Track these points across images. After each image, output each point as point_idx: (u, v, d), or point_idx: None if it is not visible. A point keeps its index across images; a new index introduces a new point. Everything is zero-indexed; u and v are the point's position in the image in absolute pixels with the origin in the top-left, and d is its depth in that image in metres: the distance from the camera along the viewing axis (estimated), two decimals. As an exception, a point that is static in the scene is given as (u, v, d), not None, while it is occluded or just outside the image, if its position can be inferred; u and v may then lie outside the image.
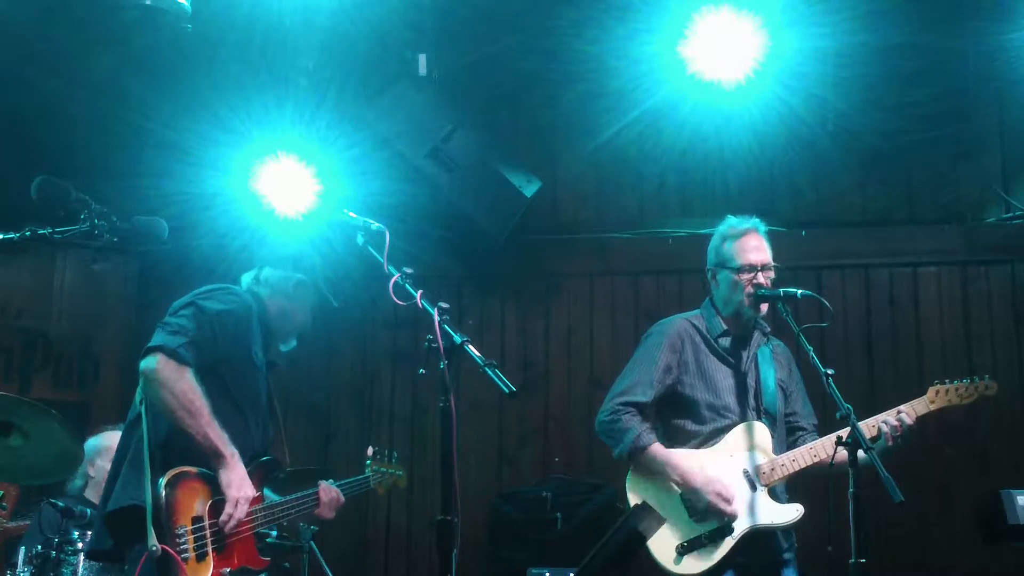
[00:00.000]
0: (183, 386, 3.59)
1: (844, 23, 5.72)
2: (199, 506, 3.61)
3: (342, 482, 4.30)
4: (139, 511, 3.50)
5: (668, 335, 4.37)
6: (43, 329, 6.77)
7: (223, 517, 3.61)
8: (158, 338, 3.64)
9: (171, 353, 3.60)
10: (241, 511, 3.64)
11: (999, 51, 5.97)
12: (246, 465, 3.75)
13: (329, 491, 4.13)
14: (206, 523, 3.61)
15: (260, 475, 3.87)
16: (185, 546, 3.51)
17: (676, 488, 4.15)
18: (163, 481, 3.53)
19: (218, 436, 3.63)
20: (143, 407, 3.69)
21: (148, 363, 3.60)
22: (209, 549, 3.59)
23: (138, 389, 3.74)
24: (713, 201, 6.56)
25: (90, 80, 5.87)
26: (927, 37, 6.03)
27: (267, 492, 4.00)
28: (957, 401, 4.23)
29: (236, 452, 3.67)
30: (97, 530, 3.78)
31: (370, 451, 4.77)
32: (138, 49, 5.56)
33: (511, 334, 6.75)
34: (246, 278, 4.13)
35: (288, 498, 3.96)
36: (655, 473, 4.19)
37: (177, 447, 3.63)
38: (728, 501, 4.06)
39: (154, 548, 3.41)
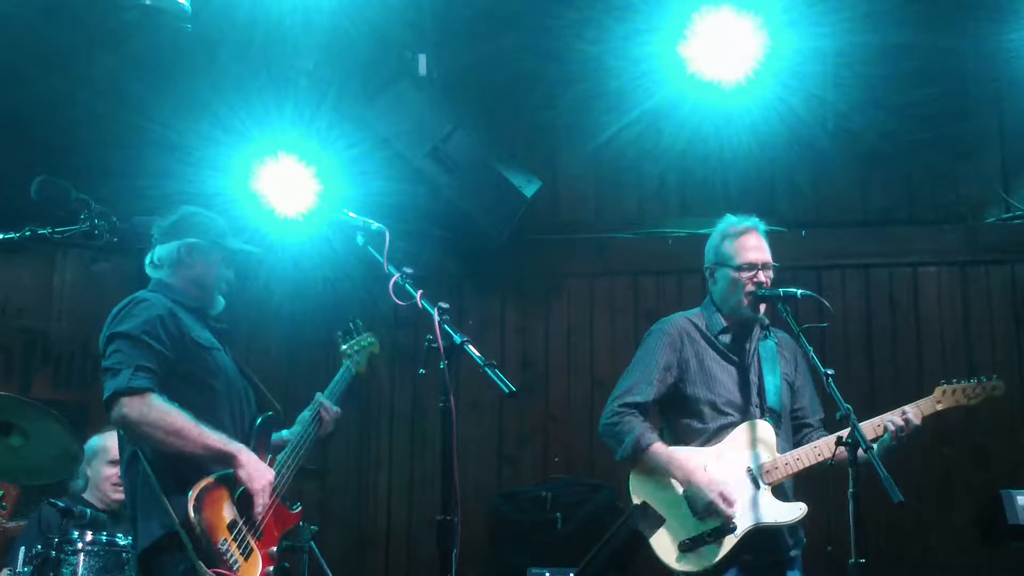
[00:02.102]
0: (155, 415, 3.52)
1: (844, 23, 5.72)
2: (228, 511, 3.58)
3: (330, 388, 4.27)
4: (173, 536, 3.47)
5: (668, 334, 4.37)
6: (43, 329, 6.77)
7: (256, 511, 3.60)
8: (108, 387, 3.56)
9: (125, 391, 3.52)
10: (266, 497, 3.63)
11: (999, 51, 5.97)
12: (248, 434, 3.76)
13: (327, 409, 4.11)
14: (240, 523, 3.60)
15: (265, 439, 3.85)
16: (232, 556, 3.50)
17: (679, 487, 4.14)
18: (190, 508, 3.47)
19: (216, 440, 3.58)
20: (136, 446, 3.65)
21: (115, 414, 3.55)
22: (253, 544, 3.60)
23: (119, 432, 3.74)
24: (713, 201, 6.55)
25: (90, 80, 5.87)
26: (927, 37, 6.02)
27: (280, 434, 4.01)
28: (964, 402, 4.20)
29: (240, 444, 3.63)
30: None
31: (339, 336, 4.71)
32: (138, 49, 5.57)
33: (511, 334, 6.75)
34: (147, 268, 4.01)
35: (295, 443, 3.95)
36: (658, 473, 4.19)
37: (188, 464, 3.59)
38: (729, 503, 4.05)
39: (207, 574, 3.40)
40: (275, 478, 3.72)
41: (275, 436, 3.96)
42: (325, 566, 5.47)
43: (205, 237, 3.94)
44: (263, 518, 3.64)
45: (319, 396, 4.12)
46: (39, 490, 5.31)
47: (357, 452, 6.74)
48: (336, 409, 4.13)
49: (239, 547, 3.54)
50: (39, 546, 4.49)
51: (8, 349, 6.71)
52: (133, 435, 3.57)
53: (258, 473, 3.61)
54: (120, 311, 3.71)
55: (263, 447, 3.81)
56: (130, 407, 3.50)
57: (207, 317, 3.95)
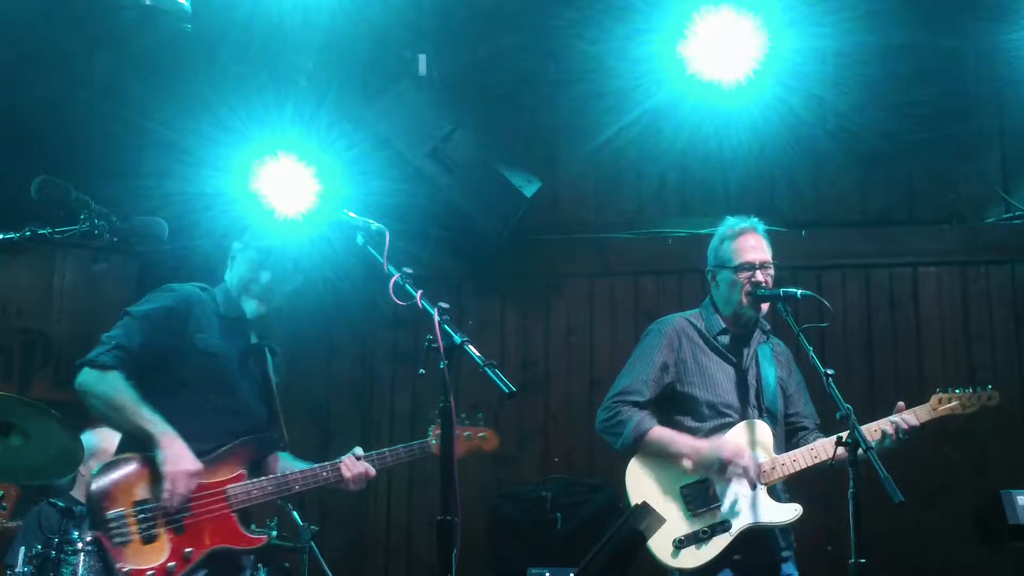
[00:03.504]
0: (104, 388, 3.71)
1: (844, 23, 5.73)
2: (144, 489, 3.64)
3: (387, 449, 4.14)
4: None
5: (666, 334, 4.37)
6: (43, 329, 6.77)
7: (164, 495, 3.62)
8: (88, 355, 3.77)
9: (91, 363, 3.74)
10: (182, 486, 3.63)
11: (999, 51, 5.97)
12: (227, 442, 3.80)
13: (354, 465, 4.00)
14: (154, 505, 3.64)
15: (246, 452, 3.87)
16: (123, 530, 3.56)
17: (682, 464, 4.14)
18: (96, 469, 3.65)
19: (148, 420, 3.67)
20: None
21: (76, 378, 3.76)
22: (160, 530, 3.61)
23: None
24: (713, 201, 6.56)
25: (90, 80, 5.87)
26: (927, 37, 6.03)
27: (288, 461, 4.02)
28: (960, 410, 4.27)
29: (169, 430, 3.67)
30: None
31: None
32: (138, 49, 5.57)
33: (511, 334, 6.75)
34: None
35: (283, 476, 3.91)
36: (659, 457, 4.18)
37: (131, 445, 3.74)
38: (743, 455, 4.06)
39: (88, 536, 3.51)
40: (240, 483, 3.75)
41: (288, 461, 4.03)
42: (325, 566, 5.47)
43: (242, 239, 4.11)
44: (176, 507, 3.63)
45: (354, 450, 4.07)
46: (39, 490, 5.32)
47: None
48: (368, 468, 4.02)
49: (139, 526, 3.59)
50: (39, 546, 4.48)
51: (8, 349, 6.71)
52: (85, 403, 3.76)
53: (176, 458, 3.64)
54: (154, 292, 3.96)
55: (239, 458, 3.84)
56: (86, 376, 3.74)
57: (245, 326, 4.03)
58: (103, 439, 5.34)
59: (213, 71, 5.92)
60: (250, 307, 4.03)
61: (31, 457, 3.92)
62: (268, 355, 4.12)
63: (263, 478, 3.87)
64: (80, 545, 4.37)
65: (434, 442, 4.14)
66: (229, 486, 3.79)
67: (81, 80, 5.86)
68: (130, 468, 3.68)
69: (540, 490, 6.08)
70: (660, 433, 4.18)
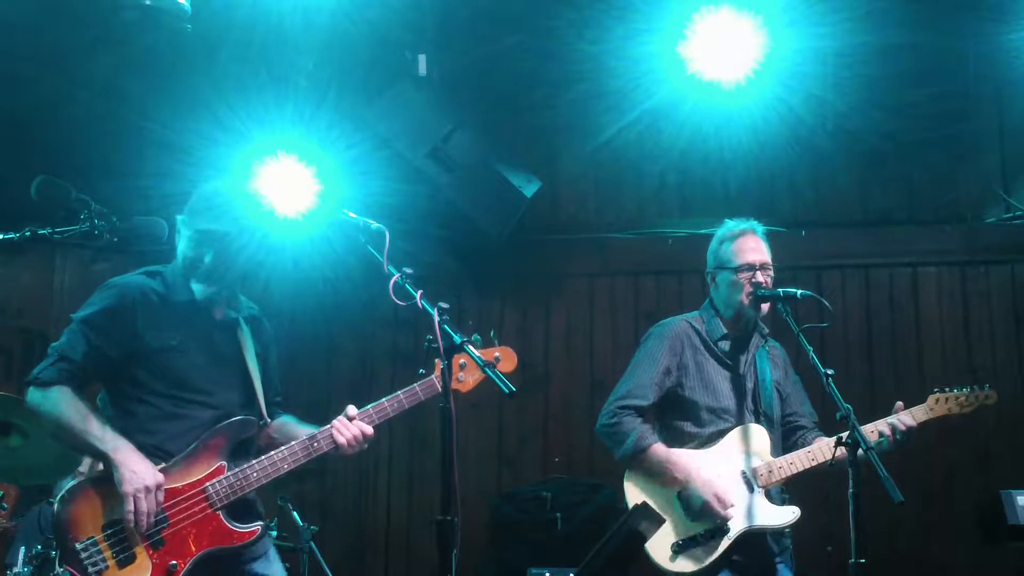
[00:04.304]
0: (47, 407, 3.53)
1: (844, 23, 5.72)
2: (111, 510, 3.45)
3: (385, 399, 3.78)
4: None
5: (668, 337, 4.37)
6: (43, 329, 6.76)
7: (127, 517, 3.42)
8: (32, 371, 3.60)
9: (32, 382, 3.56)
10: (145, 504, 3.42)
11: (999, 51, 5.98)
12: (202, 434, 3.59)
13: (347, 428, 3.72)
14: (123, 526, 3.46)
15: (219, 444, 3.62)
16: (95, 558, 3.40)
17: (674, 487, 4.15)
18: (56, 499, 3.45)
19: (96, 438, 3.48)
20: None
21: (26, 398, 3.59)
22: (137, 549, 3.44)
23: None
24: (713, 201, 6.56)
25: (90, 80, 5.87)
26: (927, 37, 6.03)
27: (293, 427, 3.78)
28: (957, 410, 4.26)
29: (122, 445, 3.46)
30: None
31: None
32: (138, 49, 5.56)
33: (511, 334, 6.74)
34: None
35: (271, 455, 3.63)
36: (655, 473, 4.19)
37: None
38: (724, 504, 4.06)
39: (58, 571, 3.34)
40: (218, 477, 3.55)
41: (294, 427, 3.80)
42: (325, 566, 5.48)
43: (184, 212, 3.73)
44: (144, 526, 3.43)
45: (347, 410, 3.78)
46: (39, 490, 5.32)
47: (357, 452, 6.72)
48: (364, 428, 3.73)
49: (113, 550, 3.43)
50: (39, 546, 4.48)
51: (8, 349, 6.71)
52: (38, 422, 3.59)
53: (132, 476, 3.43)
54: (95, 294, 3.69)
55: (212, 451, 3.61)
56: (32, 396, 3.56)
57: (205, 304, 3.74)
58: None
59: (213, 71, 5.92)
60: (197, 289, 3.71)
61: (31, 457, 3.93)
62: (243, 325, 3.83)
63: (246, 466, 3.61)
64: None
65: (435, 377, 3.71)
66: (208, 483, 3.57)
67: (81, 80, 5.86)
68: (92, 491, 3.49)
69: (540, 490, 6.07)
70: (658, 452, 4.19)
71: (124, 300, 3.64)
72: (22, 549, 4.67)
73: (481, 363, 3.19)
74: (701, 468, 4.14)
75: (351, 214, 3.51)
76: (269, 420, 3.84)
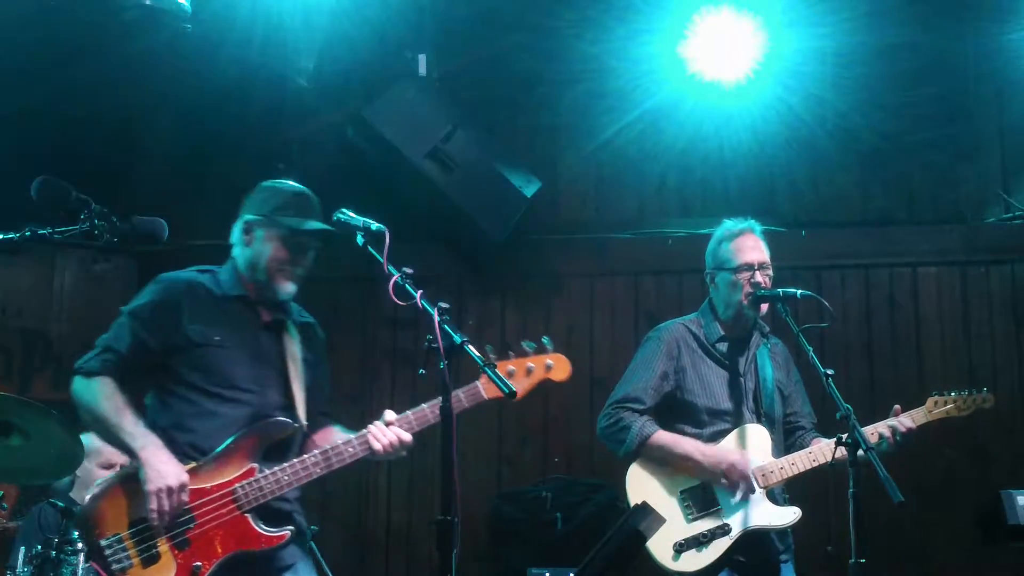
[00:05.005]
0: (87, 398, 3.58)
1: (844, 23, 5.73)
2: (138, 508, 3.46)
3: (426, 404, 3.66)
4: None
5: (665, 341, 4.38)
6: (43, 329, 6.76)
7: (150, 515, 3.43)
8: (79, 361, 3.65)
9: (77, 371, 3.62)
10: (168, 503, 3.42)
11: (999, 51, 5.98)
12: (234, 435, 3.58)
13: (384, 435, 3.64)
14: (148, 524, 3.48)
15: (251, 445, 3.60)
16: (119, 555, 3.42)
17: (684, 471, 4.14)
18: (87, 495, 3.49)
19: (128, 433, 3.51)
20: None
21: (71, 387, 3.64)
22: (162, 549, 3.45)
23: None
24: (713, 201, 6.56)
25: (90, 80, 5.87)
26: (927, 37, 6.04)
27: (340, 435, 3.74)
28: (955, 413, 4.31)
29: (150, 443, 3.48)
30: None
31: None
32: (138, 49, 5.56)
33: (511, 334, 6.74)
34: None
35: (303, 458, 3.58)
36: (661, 462, 4.19)
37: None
38: (744, 465, 4.07)
39: (85, 567, 3.38)
40: (249, 479, 3.54)
41: (341, 434, 3.73)
42: (325, 566, 5.47)
43: (261, 212, 3.76)
44: (166, 524, 3.44)
45: (384, 415, 3.74)
46: (39, 490, 5.31)
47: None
48: (401, 435, 3.64)
49: (137, 547, 3.45)
50: (39, 546, 4.48)
51: (8, 349, 6.70)
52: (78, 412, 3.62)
53: (156, 475, 3.44)
54: (146, 287, 3.76)
55: (244, 452, 3.58)
56: (75, 385, 3.62)
57: (254, 305, 3.77)
58: (94, 448, 5.36)
59: (213, 71, 5.92)
60: (284, 290, 3.73)
61: (31, 457, 3.91)
62: (292, 330, 3.86)
63: (277, 469, 3.57)
64: (80, 545, 4.37)
65: (479, 384, 3.68)
66: (237, 484, 3.55)
67: (81, 80, 5.86)
68: (121, 488, 3.51)
69: (540, 490, 6.07)
70: (663, 437, 4.20)
71: (171, 294, 3.71)
72: (22, 549, 4.67)
73: (482, 363, 3.19)
74: (708, 445, 4.15)
75: (351, 214, 3.52)
76: (305, 424, 3.79)
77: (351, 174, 6.29)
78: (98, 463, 5.21)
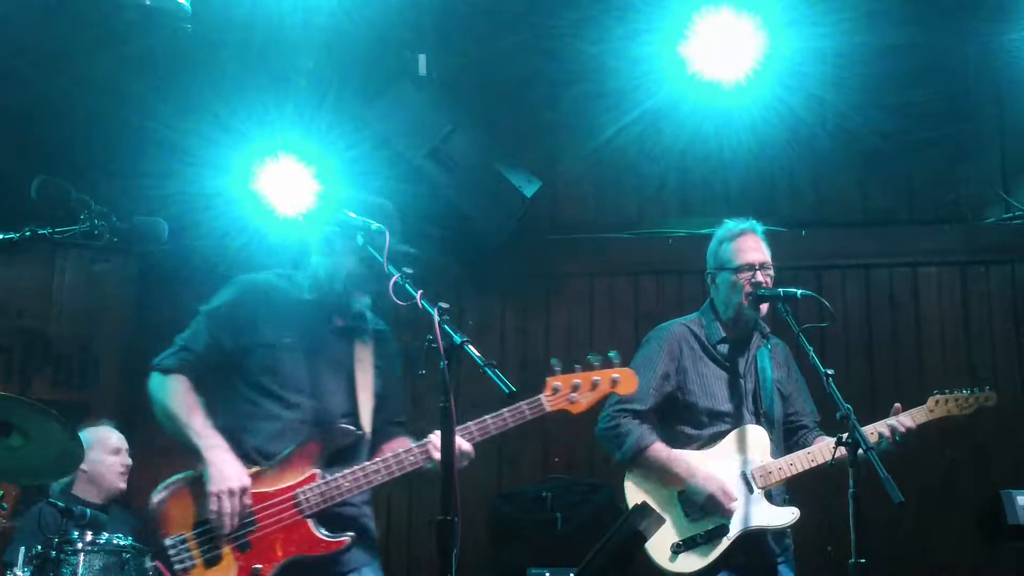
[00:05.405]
0: (160, 394, 3.64)
1: (844, 23, 5.72)
2: (203, 509, 3.50)
3: (488, 416, 3.68)
4: None
5: (667, 341, 4.38)
6: (43, 329, 6.76)
7: (211, 517, 3.48)
8: (156, 357, 3.72)
9: (155, 367, 3.68)
10: (227, 505, 3.46)
11: (999, 51, 5.98)
12: (299, 439, 3.60)
13: (434, 445, 3.59)
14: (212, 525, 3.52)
15: (314, 451, 3.63)
16: (183, 555, 3.45)
17: (676, 485, 4.15)
18: (154, 494, 3.52)
19: (196, 433, 3.55)
20: None
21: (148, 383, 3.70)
22: (224, 551, 3.48)
23: None
24: (713, 201, 6.56)
25: (90, 80, 5.87)
26: (927, 37, 6.03)
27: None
28: (956, 412, 4.29)
29: (216, 444, 3.53)
30: None
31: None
32: (138, 49, 5.57)
33: (511, 334, 6.74)
34: None
35: (364, 465, 3.60)
36: (656, 473, 4.19)
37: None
38: (729, 497, 4.07)
39: (150, 566, 3.39)
40: (311, 484, 3.55)
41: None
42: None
43: (340, 226, 3.70)
44: (229, 527, 3.47)
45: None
46: (39, 490, 5.32)
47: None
48: (461, 444, 3.61)
49: (201, 548, 3.47)
50: (39, 546, 4.48)
51: (8, 349, 6.71)
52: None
53: (219, 476, 3.48)
54: (225, 285, 3.83)
55: (307, 458, 3.61)
56: (151, 381, 3.67)
57: (329, 310, 3.80)
58: (96, 430, 5.36)
59: (213, 71, 5.92)
60: (364, 302, 3.79)
61: (31, 457, 3.91)
62: (366, 338, 3.86)
63: (339, 475, 3.58)
64: (80, 545, 4.37)
65: (544, 396, 3.70)
66: (299, 490, 3.57)
67: (81, 80, 5.86)
68: (187, 489, 3.55)
69: (540, 490, 6.07)
70: (658, 451, 4.19)
71: (246, 293, 3.78)
72: (22, 549, 4.67)
73: (482, 363, 3.19)
74: (702, 465, 4.15)
75: (351, 214, 3.52)
76: (368, 431, 3.78)
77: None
78: (104, 450, 5.22)
